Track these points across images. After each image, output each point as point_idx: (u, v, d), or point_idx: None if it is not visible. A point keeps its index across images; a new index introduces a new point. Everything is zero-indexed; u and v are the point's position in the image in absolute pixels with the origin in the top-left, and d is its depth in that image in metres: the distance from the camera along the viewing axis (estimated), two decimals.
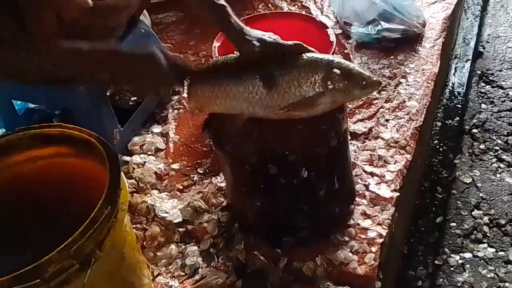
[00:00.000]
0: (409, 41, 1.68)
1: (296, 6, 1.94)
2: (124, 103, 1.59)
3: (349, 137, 1.21)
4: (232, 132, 1.04)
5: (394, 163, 1.33)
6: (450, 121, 1.82)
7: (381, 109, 1.48)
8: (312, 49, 1.07)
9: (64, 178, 1.01)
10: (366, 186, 1.27)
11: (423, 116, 1.45)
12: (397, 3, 1.66)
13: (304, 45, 1.06)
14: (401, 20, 1.66)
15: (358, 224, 1.19)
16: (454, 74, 1.97)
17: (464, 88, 1.93)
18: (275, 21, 1.63)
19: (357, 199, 1.24)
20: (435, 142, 1.75)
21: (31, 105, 1.45)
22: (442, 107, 1.86)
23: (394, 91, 1.54)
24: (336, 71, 1.00)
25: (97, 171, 0.93)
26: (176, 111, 1.60)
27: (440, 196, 1.62)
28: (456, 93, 1.91)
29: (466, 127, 1.82)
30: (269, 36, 1.07)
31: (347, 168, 1.18)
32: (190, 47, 1.85)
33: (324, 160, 1.08)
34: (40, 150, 0.99)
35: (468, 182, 1.64)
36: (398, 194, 1.24)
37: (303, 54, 1.05)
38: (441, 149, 1.74)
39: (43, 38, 1.00)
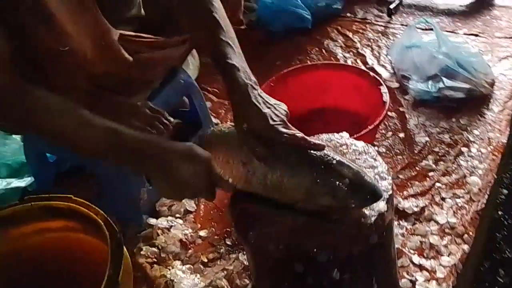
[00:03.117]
0: (474, 102, 1.49)
1: (351, 53, 1.80)
2: None
3: (394, 224, 1.04)
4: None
5: (448, 255, 1.14)
6: None
7: (437, 184, 1.30)
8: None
9: (71, 252, 0.97)
10: (413, 283, 1.10)
11: (485, 197, 1.26)
12: (462, 58, 1.48)
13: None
14: (465, 78, 1.47)
15: None
16: None
17: None
18: (327, 72, 1.52)
19: None
20: (499, 213, 1.53)
21: None
22: (510, 171, 1.64)
23: (453, 162, 1.35)
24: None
25: (104, 250, 0.86)
26: None
27: (502, 280, 1.40)
28: None
29: None
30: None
31: (390, 266, 1.02)
32: None
33: (361, 261, 0.93)
34: (49, 222, 0.96)
35: None
36: None
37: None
38: (506, 222, 1.52)
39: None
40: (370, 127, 1.27)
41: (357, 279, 0.95)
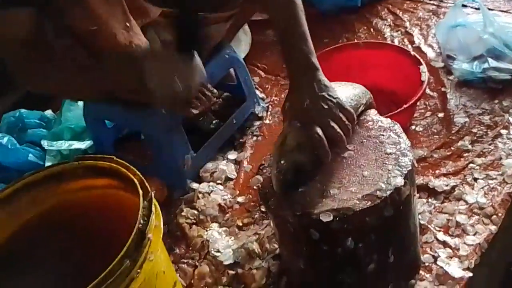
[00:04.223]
0: None
1: (399, 32, 1.79)
2: (205, 125, 1.61)
3: (415, 201, 1.07)
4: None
5: (474, 234, 1.15)
6: None
7: (470, 164, 1.30)
8: None
9: (112, 208, 1.05)
10: (435, 258, 1.12)
11: None
12: (509, 39, 1.44)
13: None
14: None
15: None
16: None
17: None
18: (368, 51, 1.54)
19: (421, 272, 1.11)
20: None
21: None
22: None
23: (490, 144, 1.34)
24: None
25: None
26: (255, 137, 1.57)
27: None
28: None
29: None
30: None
31: (409, 240, 1.06)
32: (283, 70, 1.80)
33: (375, 232, 0.97)
34: (94, 180, 1.04)
35: None
36: (470, 274, 1.09)
37: None
38: None
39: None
40: (404, 106, 1.29)
41: (372, 250, 0.99)
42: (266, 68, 1.86)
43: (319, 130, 1.00)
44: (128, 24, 1.00)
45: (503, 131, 1.36)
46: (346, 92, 1.10)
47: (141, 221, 0.88)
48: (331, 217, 0.93)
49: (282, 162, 0.99)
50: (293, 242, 1.03)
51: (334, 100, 1.03)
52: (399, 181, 0.96)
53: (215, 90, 1.38)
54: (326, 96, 1.04)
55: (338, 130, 1.01)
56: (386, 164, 0.99)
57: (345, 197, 0.95)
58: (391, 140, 1.04)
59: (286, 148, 1.00)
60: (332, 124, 1.01)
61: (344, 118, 1.03)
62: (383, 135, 1.06)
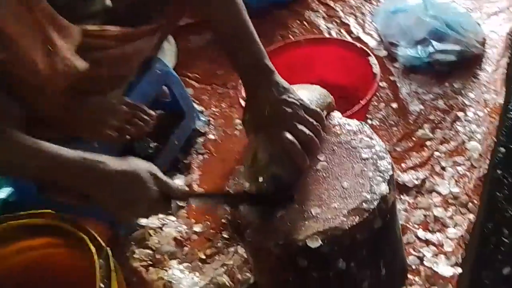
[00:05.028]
0: (467, 64, 1.43)
1: (334, 23, 1.71)
2: (142, 151, 1.44)
3: (396, 198, 0.99)
4: None
5: (454, 226, 1.10)
6: None
7: (435, 153, 1.25)
8: None
9: (56, 268, 0.92)
10: (421, 259, 1.05)
11: (487, 162, 1.21)
12: (451, 19, 1.41)
13: None
14: (455, 39, 1.40)
15: None
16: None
17: None
18: (312, 48, 1.44)
19: (410, 276, 1.03)
20: (498, 172, 1.49)
21: None
22: (505, 128, 1.58)
23: (451, 129, 1.30)
24: None
25: (92, 265, 0.81)
26: (201, 156, 1.43)
27: (507, 240, 1.36)
28: None
29: None
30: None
31: (397, 247, 0.98)
32: (217, 78, 1.68)
33: (366, 246, 0.88)
34: (29, 241, 0.90)
35: None
36: (460, 270, 1.03)
37: None
38: (506, 180, 1.46)
39: None
40: (362, 102, 1.21)
41: (364, 266, 0.90)
42: (198, 77, 1.71)
43: (288, 135, 0.90)
44: (51, 48, 0.83)
45: (460, 114, 1.33)
46: (307, 94, 0.99)
47: (101, 285, 0.74)
48: (319, 242, 0.82)
49: (260, 180, 0.87)
50: (277, 273, 0.91)
51: (297, 102, 0.93)
52: (384, 188, 0.86)
53: (153, 113, 1.23)
54: (287, 99, 0.94)
55: (308, 132, 0.92)
56: (365, 171, 0.90)
57: (329, 215, 0.85)
58: (364, 143, 0.95)
59: (260, 163, 0.89)
60: (300, 127, 0.91)
61: (311, 120, 0.93)
62: (354, 139, 0.96)
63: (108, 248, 0.80)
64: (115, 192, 0.84)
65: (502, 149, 1.53)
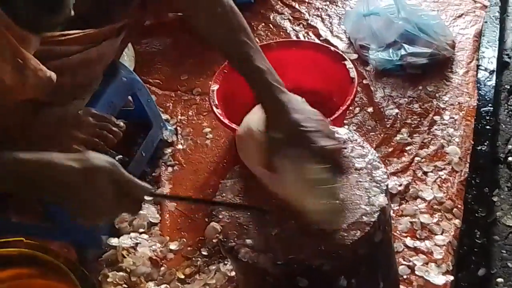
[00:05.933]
0: (438, 66, 1.42)
1: (301, 26, 1.67)
2: None
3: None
4: None
5: (442, 233, 1.09)
6: (480, 147, 1.52)
7: (416, 158, 1.23)
8: None
9: None
10: (411, 269, 1.03)
11: (467, 165, 1.20)
12: (422, 22, 1.41)
13: None
14: (426, 42, 1.40)
15: None
16: (478, 89, 1.69)
17: (492, 106, 1.65)
18: (284, 52, 1.38)
19: (402, 287, 1.00)
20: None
21: None
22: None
23: (428, 133, 1.28)
24: None
25: None
26: (170, 168, 1.35)
27: (479, 241, 1.36)
28: (483, 112, 1.61)
29: (501, 154, 1.54)
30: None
31: (392, 259, 0.95)
32: (181, 83, 1.59)
33: (367, 261, 0.84)
34: None
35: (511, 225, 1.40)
36: (452, 278, 1.01)
37: None
38: (473, 181, 1.47)
39: None
40: (343, 107, 1.17)
41: (364, 281, 0.86)
42: (160, 83, 1.62)
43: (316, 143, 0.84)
44: (21, 61, 0.74)
45: (436, 118, 1.32)
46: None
47: None
48: (321, 259, 0.77)
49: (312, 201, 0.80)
50: None
51: (315, 118, 0.89)
52: (382, 200, 0.83)
53: (122, 123, 1.14)
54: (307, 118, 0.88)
55: (332, 142, 0.86)
56: (361, 182, 0.86)
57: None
58: (356, 152, 0.91)
59: (305, 185, 0.81)
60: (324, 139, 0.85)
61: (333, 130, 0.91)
62: (345, 148, 0.92)
63: (91, 277, 0.72)
64: (73, 189, 0.75)
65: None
